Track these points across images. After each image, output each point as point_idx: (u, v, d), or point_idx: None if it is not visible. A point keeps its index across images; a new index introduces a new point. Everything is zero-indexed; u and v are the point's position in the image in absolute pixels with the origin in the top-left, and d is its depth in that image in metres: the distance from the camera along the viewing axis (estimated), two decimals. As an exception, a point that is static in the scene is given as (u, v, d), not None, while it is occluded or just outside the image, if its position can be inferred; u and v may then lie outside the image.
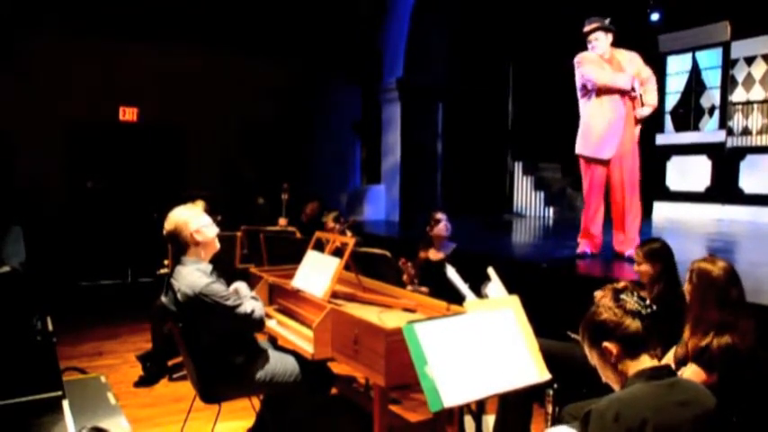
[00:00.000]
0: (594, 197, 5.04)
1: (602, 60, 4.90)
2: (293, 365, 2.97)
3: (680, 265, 3.06)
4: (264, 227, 5.57)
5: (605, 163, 4.91)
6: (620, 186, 4.92)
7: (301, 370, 2.97)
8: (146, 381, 4.36)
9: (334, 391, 3.80)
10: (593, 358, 1.75)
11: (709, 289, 2.38)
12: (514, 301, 2.44)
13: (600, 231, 5.12)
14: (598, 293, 2.94)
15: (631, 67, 4.90)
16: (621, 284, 1.74)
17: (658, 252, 3.03)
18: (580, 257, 5.06)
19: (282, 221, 6.37)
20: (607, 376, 1.73)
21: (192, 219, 2.86)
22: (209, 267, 2.87)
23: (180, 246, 2.87)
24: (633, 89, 4.82)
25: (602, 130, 4.88)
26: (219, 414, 3.10)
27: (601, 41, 4.86)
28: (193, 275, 2.77)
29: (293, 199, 6.65)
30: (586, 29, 4.93)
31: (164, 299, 2.89)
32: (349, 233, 5.11)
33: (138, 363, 4.49)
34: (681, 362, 2.44)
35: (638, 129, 4.95)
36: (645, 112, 4.91)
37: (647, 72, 5.00)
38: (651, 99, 4.95)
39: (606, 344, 1.68)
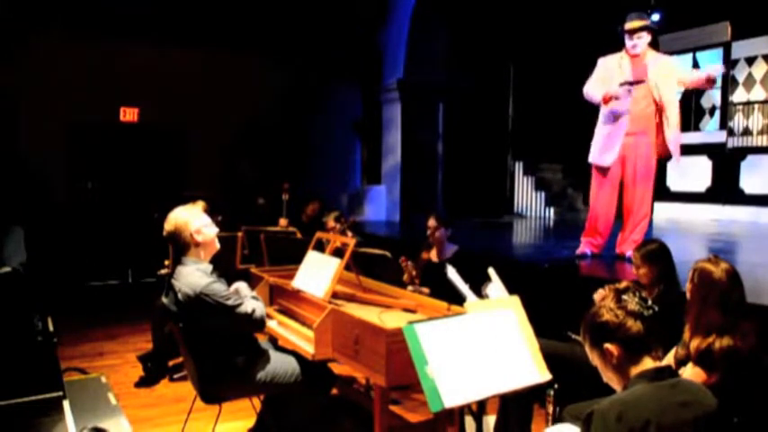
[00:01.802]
0: (601, 200, 5.02)
1: (615, 66, 4.83)
2: (294, 366, 2.97)
3: (681, 266, 3.05)
4: (265, 227, 5.57)
5: (607, 169, 4.91)
6: (631, 189, 4.92)
7: (302, 370, 2.97)
8: (146, 381, 4.36)
9: (334, 391, 3.80)
10: (594, 359, 1.75)
11: (710, 290, 2.37)
12: (515, 301, 2.44)
13: (606, 232, 5.08)
14: (601, 292, 2.96)
15: (654, 73, 4.75)
16: (623, 285, 1.73)
17: (656, 254, 3.02)
18: (580, 258, 5.05)
19: (283, 222, 6.37)
20: (608, 377, 1.73)
21: (191, 219, 2.86)
22: (210, 267, 2.87)
23: (180, 246, 2.87)
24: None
25: (602, 137, 4.94)
26: (220, 414, 3.10)
27: (644, 40, 4.75)
28: (194, 275, 2.77)
29: (293, 199, 6.65)
30: (629, 26, 4.75)
31: (164, 299, 2.89)
32: (349, 233, 5.11)
33: (138, 363, 4.49)
34: (681, 362, 2.44)
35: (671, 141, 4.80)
36: (670, 137, 4.73)
37: (668, 95, 4.75)
38: (672, 122, 4.74)
39: (607, 345, 1.68)
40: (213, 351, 2.82)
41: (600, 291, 3.03)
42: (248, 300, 2.87)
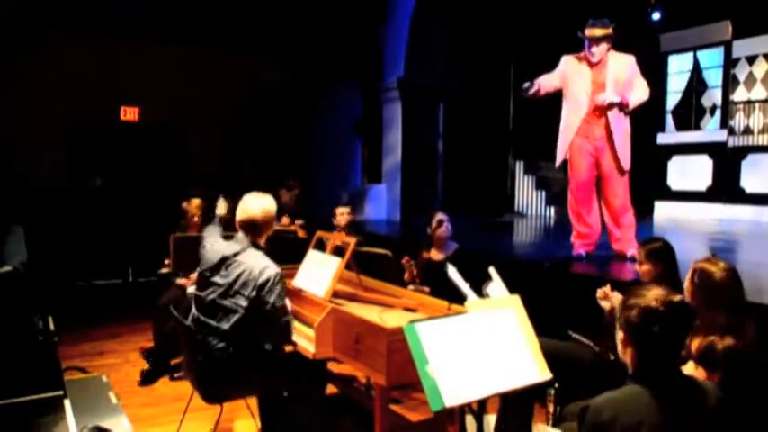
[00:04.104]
0: (576, 198, 5.06)
1: (576, 69, 4.88)
2: (292, 362, 2.99)
3: (681, 265, 3.06)
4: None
5: (580, 166, 4.96)
6: (610, 188, 4.94)
7: (300, 367, 2.98)
8: (149, 375, 4.38)
9: (335, 390, 3.81)
10: (617, 336, 1.77)
11: (712, 291, 2.37)
12: (515, 300, 2.44)
13: (591, 229, 5.09)
14: (604, 290, 2.95)
15: (615, 74, 4.77)
16: (678, 298, 1.70)
17: (661, 252, 3.03)
18: (577, 260, 5.05)
19: (285, 220, 6.36)
20: (624, 357, 1.76)
21: (274, 214, 3.03)
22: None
23: (254, 232, 2.95)
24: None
25: (560, 137, 5.06)
26: (216, 412, 3.10)
27: (602, 48, 4.76)
28: (265, 260, 2.86)
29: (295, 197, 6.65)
30: (589, 34, 4.76)
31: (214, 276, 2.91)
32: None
33: (138, 362, 4.52)
34: (681, 361, 2.44)
35: (622, 124, 4.83)
36: (605, 97, 4.70)
37: (638, 81, 4.82)
38: (631, 98, 4.75)
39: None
40: (223, 347, 2.82)
41: (602, 289, 3.04)
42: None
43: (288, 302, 2.94)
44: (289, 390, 2.98)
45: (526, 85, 5.02)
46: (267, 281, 2.77)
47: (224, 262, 2.89)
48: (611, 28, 4.77)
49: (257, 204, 2.96)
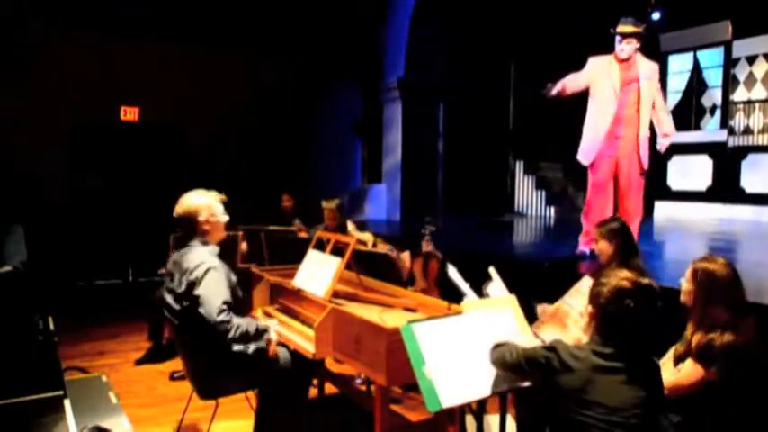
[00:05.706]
0: (594, 198, 5.08)
1: (604, 69, 4.90)
2: (285, 355, 3.01)
3: (680, 264, 3.07)
4: (267, 226, 5.57)
5: (602, 166, 4.98)
6: (626, 189, 4.99)
7: (291, 359, 3.00)
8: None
9: (335, 390, 3.81)
10: (585, 312, 1.98)
11: (716, 288, 2.38)
12: (512, 300, 2.44)
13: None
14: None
15: (644, 76, 4.85)
16: (647, 281, 1.88)
17: (616, 231, 3.20)
18: (580, 258, 5.06)
19: (296, 224, 6.36)
20: (585, 329, 2.02)
21: (204, 207, 2.91)
22: (217, 249, 2.92)
23: (189, 230, 2.92)
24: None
25: (587, 136, 5.05)
26: (216, 412, 3.10)
27: (632, 46, 4.81)
28: (201, 253, 2.82)
29: (299, 203, 6.68)
30: (620, 29, 4.80)
31: (164, 290, 2.89)
32: (368, 234, 5.06)
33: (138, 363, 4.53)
34: (680, 359, 2.45)
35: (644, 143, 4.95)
36: (665, 143, 5.01)
37: (659, 101, 4.98)
38: (667, 128, 5.00)
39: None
40: (209, 342, 2.82)
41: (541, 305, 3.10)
42: (242, 320, 2.82)
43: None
44: (275, 384, 2.99)
45: (549, 84, 5.02)
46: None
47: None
48: (642, 27, 4.83)
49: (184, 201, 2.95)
